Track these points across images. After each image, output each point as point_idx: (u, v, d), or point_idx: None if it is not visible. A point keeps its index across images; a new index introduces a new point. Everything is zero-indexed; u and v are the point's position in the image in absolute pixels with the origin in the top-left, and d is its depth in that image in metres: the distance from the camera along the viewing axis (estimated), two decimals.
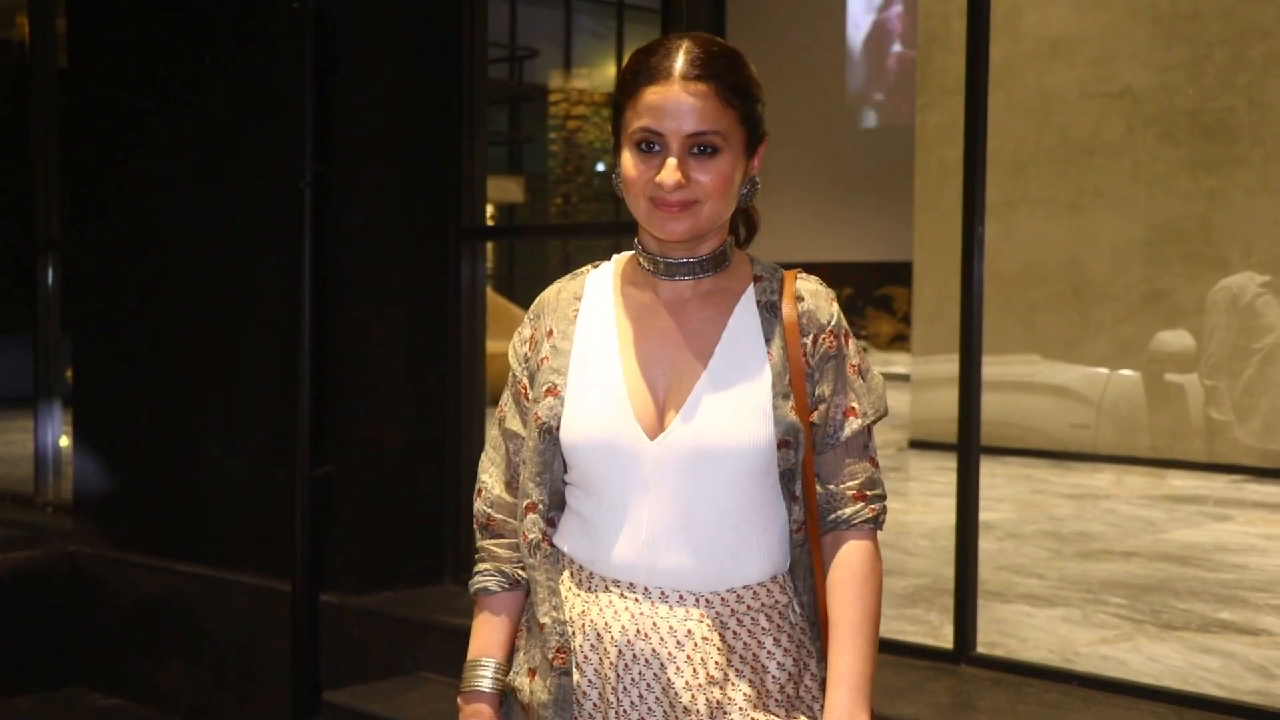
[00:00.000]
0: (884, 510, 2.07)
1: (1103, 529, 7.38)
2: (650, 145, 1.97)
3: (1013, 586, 5.92)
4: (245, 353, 5.59)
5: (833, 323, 2.07)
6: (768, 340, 2.04)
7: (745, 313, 2.06)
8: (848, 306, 20.11)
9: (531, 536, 2.08)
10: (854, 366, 2.08)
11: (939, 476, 9.10)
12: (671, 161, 1.96)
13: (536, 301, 2.18)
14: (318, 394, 5.27)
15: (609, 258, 2.20)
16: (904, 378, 12.16)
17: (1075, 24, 10.19)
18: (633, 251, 2.13)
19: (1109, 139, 9.97)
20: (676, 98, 1.95)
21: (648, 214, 2.00)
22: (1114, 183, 9.92)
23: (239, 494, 5.61)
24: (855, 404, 2.07)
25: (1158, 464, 9.34)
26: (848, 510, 2.05)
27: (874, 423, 2.09)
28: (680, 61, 1.96)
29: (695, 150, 1.96)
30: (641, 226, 2.07)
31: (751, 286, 2.09)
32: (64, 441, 7.27)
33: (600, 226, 9.30)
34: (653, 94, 1.96)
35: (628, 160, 2.00)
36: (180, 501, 5.86)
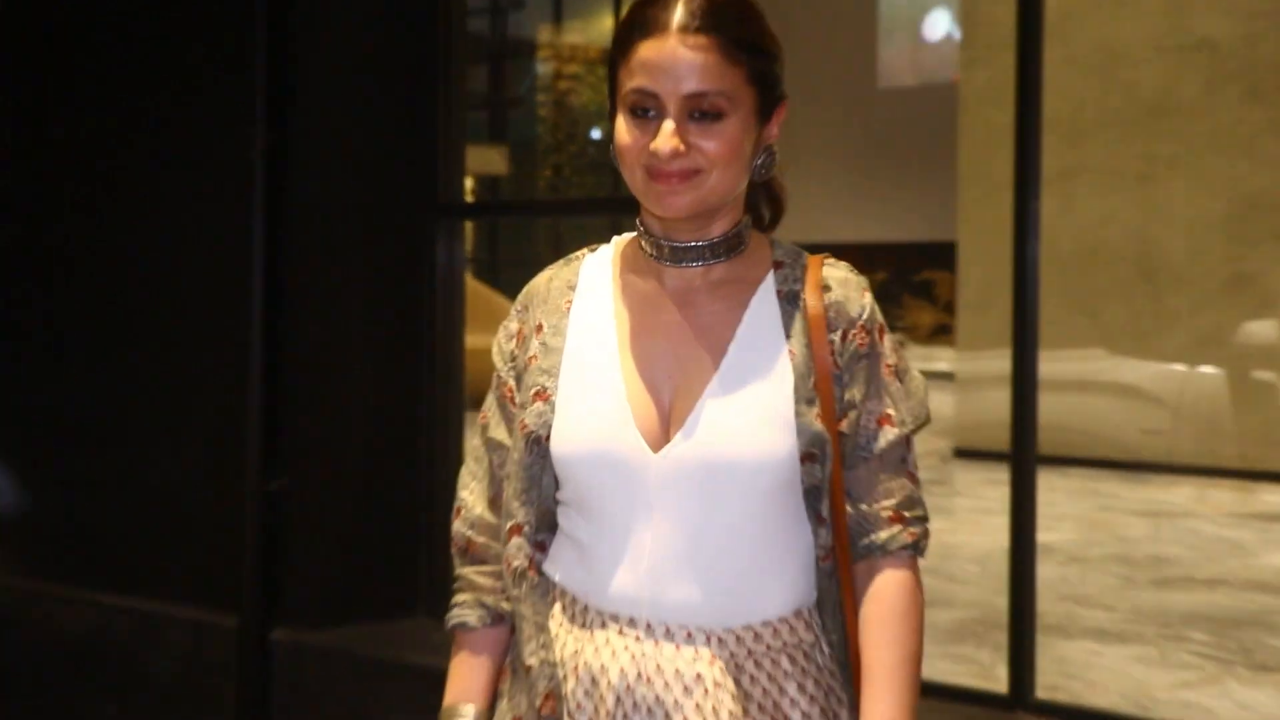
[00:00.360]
0: (926, 534, 2.06)
1: (1182, 552, 7.38)
2: (645, 109, 1.96)
3: (1077, 620, 5.92)
4: (186, 349, 5.59)
5: (865, 316, 2.06)
6: (789, 336, 2.03)
7: (763, 304, 2.05)
8: (882, 294, 20.05)
9: (516, 564, 2.07)
10: (890, 367, 2.06)
11: (989, 491, 9.09)
12: (668, 125, 1.94)
13: (524, 291, 2.17)
14: (270, 397, 5.26)
15: (607, 239, 2.18)
16: (947, 376, 12.17)
17: None
18: (634, 234, 2.12)
19: (1184, 98, 9.97)
20: (673, 53, 1.94)
21: (644, 187, 1.99)
22: (1190, 149, 9.92)
23: (178, 514, 5.61)
24: (891, 410, 2.05)
25: (1246, 476, 9.34)
26: (883, 534, 2.04)
27: (914, 432, 2.07)
28: (679, 12, 1.95)
29: (696, 114, 1.95)
30: (643, 206, 2.06)
31: (771, 274, 2.08)
32: None
33: (596, 203, 9.27)
34: (647, 49, 1.95)
35: (621, 126, 1.99)
36: (109, 523, 5.85)
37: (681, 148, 1.94)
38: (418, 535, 5.40)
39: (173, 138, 5.61)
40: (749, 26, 1.98)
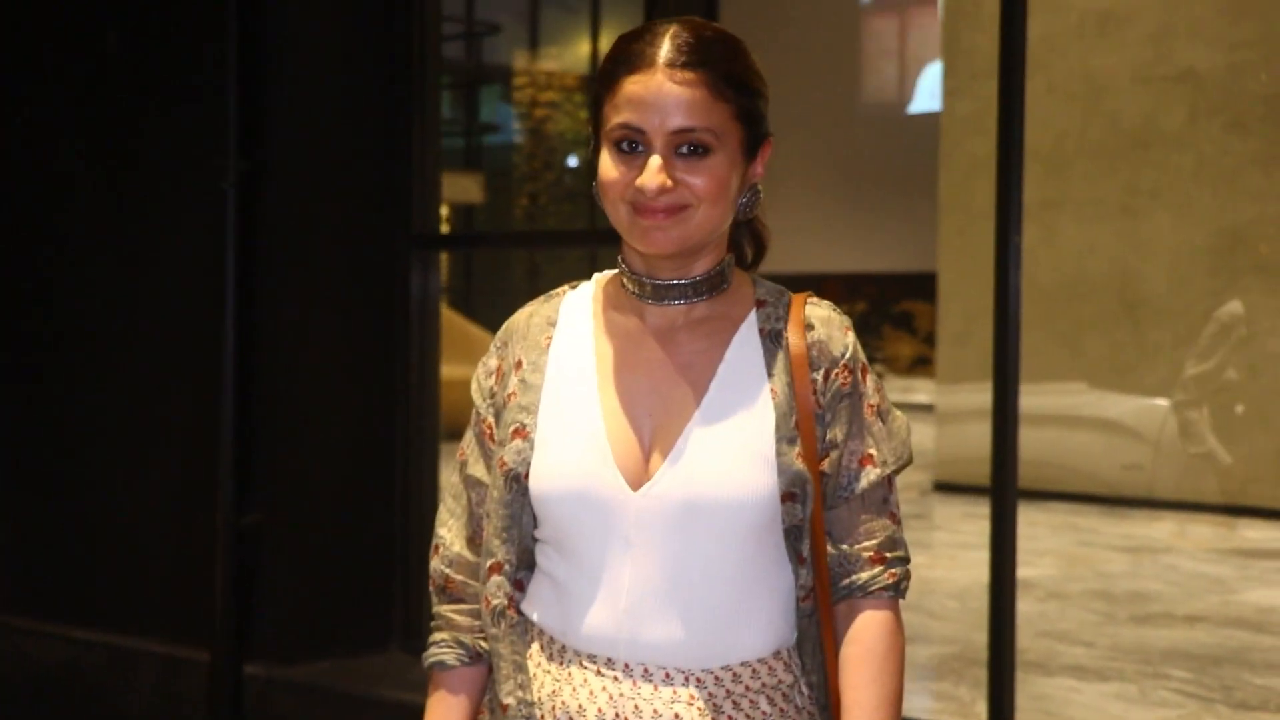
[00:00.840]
0: (907, 575, 2.08)
1: (1162, 588, 7.41)
2: (632, 144, 1.98)
3: (1057, 656, 5.93)
4: (157, 379, 5.58)
5: (847, 355, 2.08)
6: (771, 375, 2.05)
7: (745, 343, 2.07)
8: (861, 324, 20.16)
9: (496, 602, 2.08)
10: (872, 407, 2.09)
11: (968, 525, 9.12)
12: (655, 161, 1.96)
13: (504, 328, 2.18)
14: (242, 428, 5.26)
15: (585, 270, 2.20)
16: (927, 408, 12.20)
17: None
18: (615, 271, 2.14)
19: (1167, 129, 10.03)
20: (659, 88, 1.96)
21: (629, 223, 2.00)
22: (1173, 180, 9.98)
23: (148, 546, 5.59)
24: (873, 450, 2.07)
25: (1227, 511, 9.37)
26: (864, 575, 2.06)
27: (895, 473, 2.09)
28: (666, 47, 1.98)
29: (684, 150, 1.97)
30: (625, 243, 2.07)
31: (753, 313, 2.10)
32: None
33: (573, 235, 9.30)
34: (633, 84, 1.97)
35: (606, 162, 2.01)
36: (77, 555, 5.84)
37: (669, 184, 1.96)
38: (392, 569, 5.40)
39: (144, 167, 5.61)
40: (736, 63, 2.00)
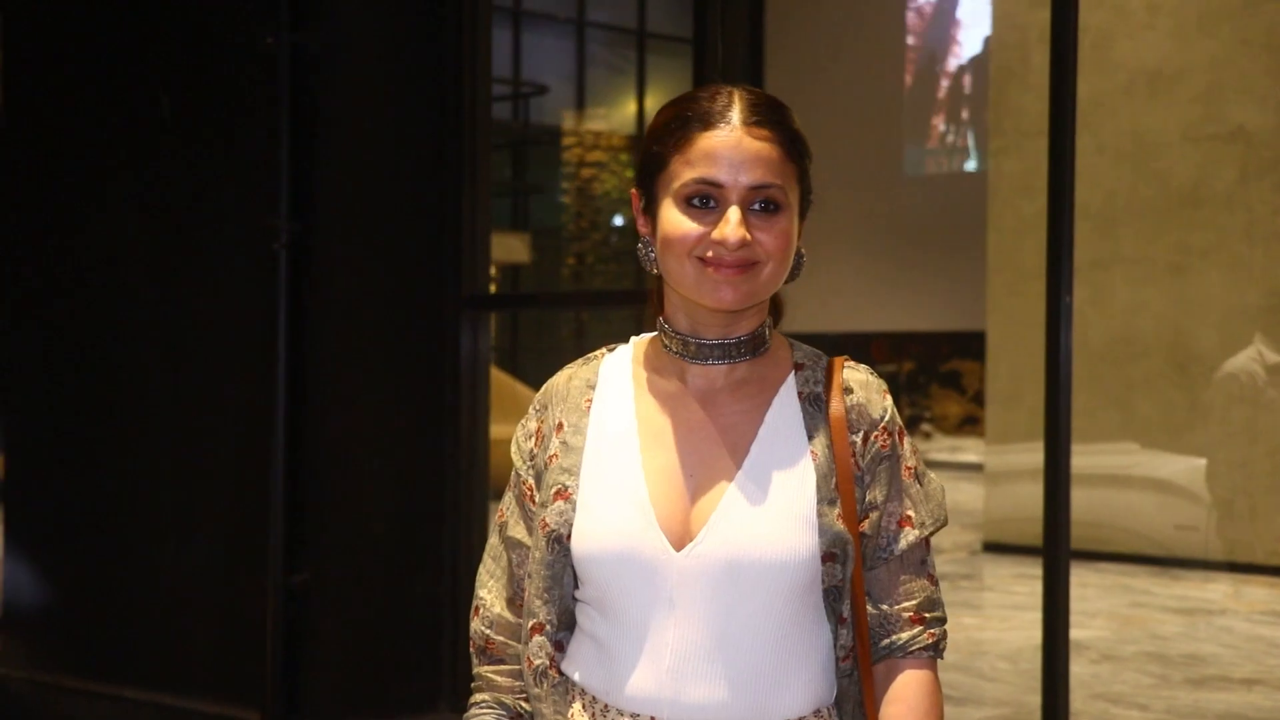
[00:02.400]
0: (944, 636, 2.10)
1: (1218, 650, 7.34)
2: (705, 200, 2.01)
3: (1111, 719, 5.89)
4: (208, 441, 5.61)
5: (886, 419, 2.10)
6: (811, 437, 2.07)
7: (785, 405, 2.09)
8: (909, 384, 20.14)
9: (538, 663, 2.09)
10: (910, 469, 2.11)
11: (1020, 586, 9.07)
12: (735, 213, 1.99)
13: (543, 390, 2.20)
14: (292, 488, 5.28)
15: (631, 329, 2.22)
16: (976, 468, 12.15)
17: (1177, 55, 10.25)
18: (653, 334, 2.17)
19: (1217, 189, 10.00)
20: (739, 143, 2.00)
21: (696, 278, 2.02)
22: (1224, 240, 9.94)
23: (198, 606, 5.62)
24: (911, 512, 2.09)
25: None
26: (904, 635, 2.07)
27: (932, 534, 2.11)
28: (741, 106, 2.02)
29: (757, 206, 2.01)
30: (669, 302, 2.09)
31: (792, 375, 2.12)
32: None
33: (621, 294, 9.33)
34: (710, 140, 2.00)
35: (674, 217, 2.02)
36: (128, 615, 5.86)
37: (748, 237, 1.99)
38: (440, 629, 5.41)
39: (196, 229, 5.66)
40: (797, 128, 2.06)
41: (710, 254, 2.00)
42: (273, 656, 5.23)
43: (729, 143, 1.99)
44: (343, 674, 5.33)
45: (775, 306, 2.17)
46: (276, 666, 5.23)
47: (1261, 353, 9.33)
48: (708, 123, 2.01)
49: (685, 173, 2.01)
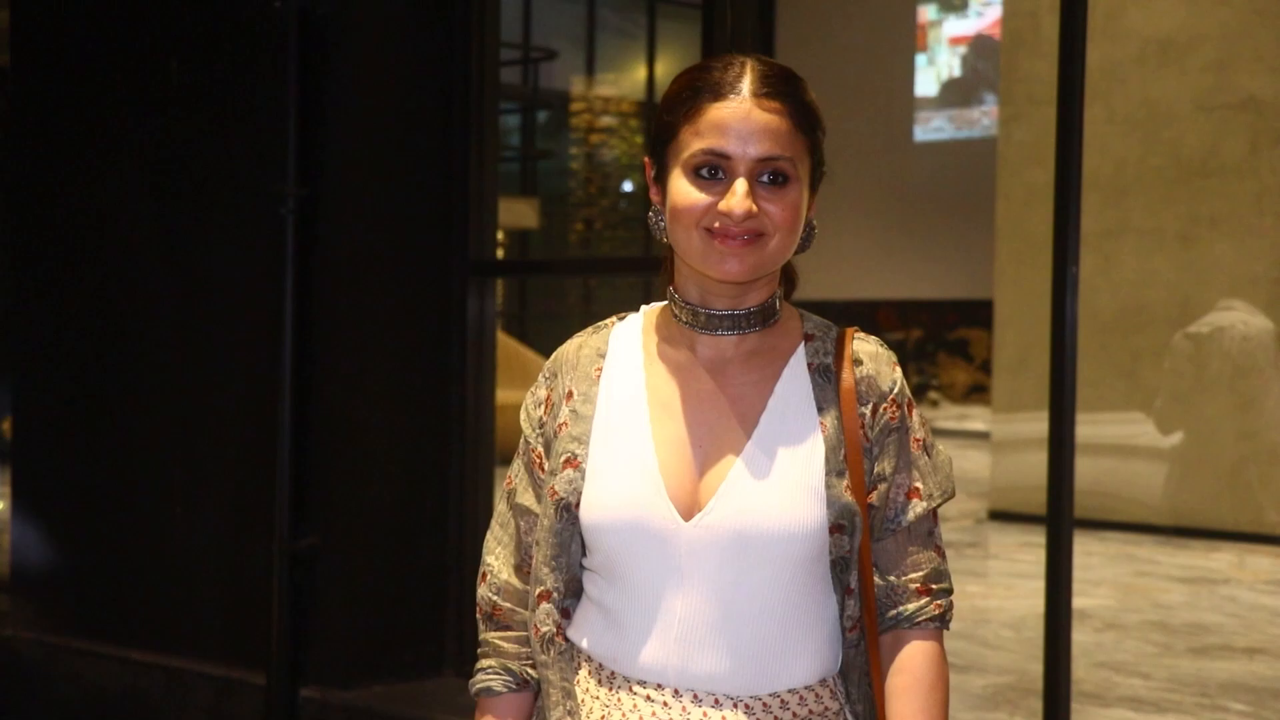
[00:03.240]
0: (951, 606, 2.11)
1: (1222, 620, 7.36)
2: (713, 170, 2.01)
3: (1113, 687, 5.91)
4: (215, 405, 5.63)
5: (895, 390, 2.11)
6: (820, 409, 2.08)
7: (795, 376, 2.10)
8: (917, 352, 20.14)
9: (544, 630, 2.11)
10: (918, 441, 2.12)
11: (1024, 554, 9.09)
12: (741, 185, 1.99)
13: (553, 358, 2.21)
14: (299, 454, 5.30)
15: (639, 294, 2.22)
16: (983, 436, 12.16)
17: (1188, 23, 10.23)
18: (664, 303, 2.17)
19: (1228, 158, 9.99)
20: (748, 115, 2.00)
21: (703, 249, 2.03)
22: (1234, 209, 9.94)
23: (205, 570, 5.64)
24: (919, 484, 2.10)
25: None
26: (911, 606, 2.09)
27: (940, 505, 2.12)
28: (752, 77, 2.02)
29: (764, 178, 2.01)
30: (679, 272, 2.10)
31: (802, 346, 2.13)
32: None
33: (629, 261, 9.30)
34: (719, 111, 2.01)
35: (682, 187, 2.03)
36: (136, 579, 5.89)
37: (754, 209, 1.99)
38: (446, 594, 5.43)
39: (203, 194, 5.66)
40: (809, 99, 2.06)
41: (717, 224, 2.00)
42: (278, 620, 5.26)
43: (738, 114, 2.00)
44: (348, 638, 5.35)
45: (789, 277, 2.18)
46: (282, 630, 5.26)
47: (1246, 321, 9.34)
48: (718, 93, 2.01)
49: (694, 143, 2.01)
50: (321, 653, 5.32)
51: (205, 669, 5.58)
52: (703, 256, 2.03)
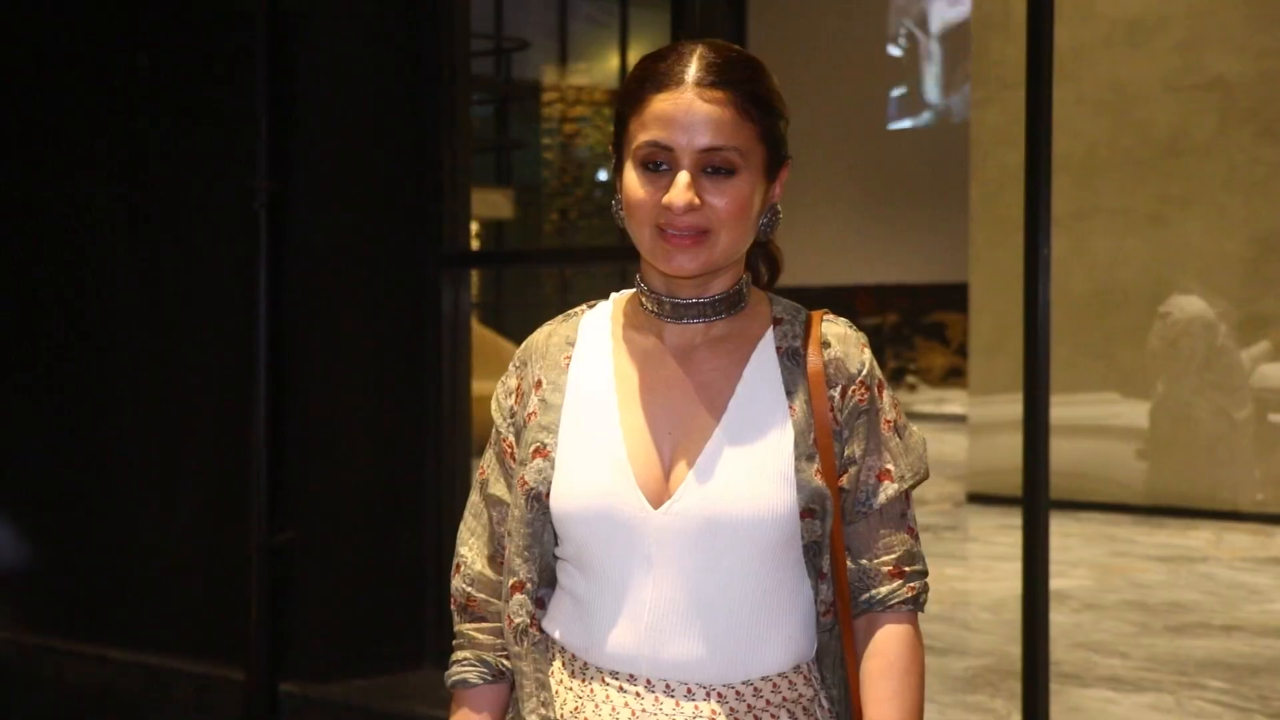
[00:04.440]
0: (925, 589, 2.09)
1: (1199, 598, 7.38)
2: (657, 163, 1.99)
3: (1092, 667, 5.92)
4: (189, 401, 5.61)
5: (864, 372, 2.09)
6: (790, 393, 2.06)
7: (763, 361, 2.08)
8: (893, 336, 20.15)
9: (518, 621, 2.09)
10: (889, 422, 2.10)
11: (1003, 536, 9.10)
12: (683, 177, 1.97)
13: (523, 347, 2.19)
14: (274, 448, 5.28)
15: (615, 285, 2.21)
16: (960, 419, 12.17)
17: (1156, 4, 10.25)
18: (633, 290, 2.15)
19: (1198, 138, 10.01)
20: (689, 106, 1.97)
21: (652, 245, 2.02)
22: (1204, 189, 9.96)
23: (182, 567, 5.62)
24: (891, 466, 2.08)
25: (1264, 520, 9.34)
26: (884, 589, 2.07)
27: (912, 488, 2.10)
28: (694, 66, 1.99)
29: (709, 169, 1.99)
30: (644, 261, 2.08)
31: (770, 330, 2.11)
32: None
33: (603, 251, 9.28)
34: (661, 102, 1.99)
35: (631, 181, 2.02)
36: (113, 576, 5.87)
37: (696, 201, 1.97)
38: (424, 587, 5.41)
39: (175, 189, 5.64)
40: (760, 85, 2.02)
41: (662, 220, 1.99)
42: (257, 616, 5.24)
43: (681, 105, 1.97)
44: (327, 632, 5.34)
45: (772, 261, 2.17)
46: (260, 626, 5.24)
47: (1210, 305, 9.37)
48: (660, 85, 1.99)
49: (640, 135, 2.00)
50: (300, 647, 5.31)
51: (184, 666, 5.56)
52: (652, 253, 2.02)
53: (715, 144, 1.97)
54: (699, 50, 2.01)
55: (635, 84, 2.02)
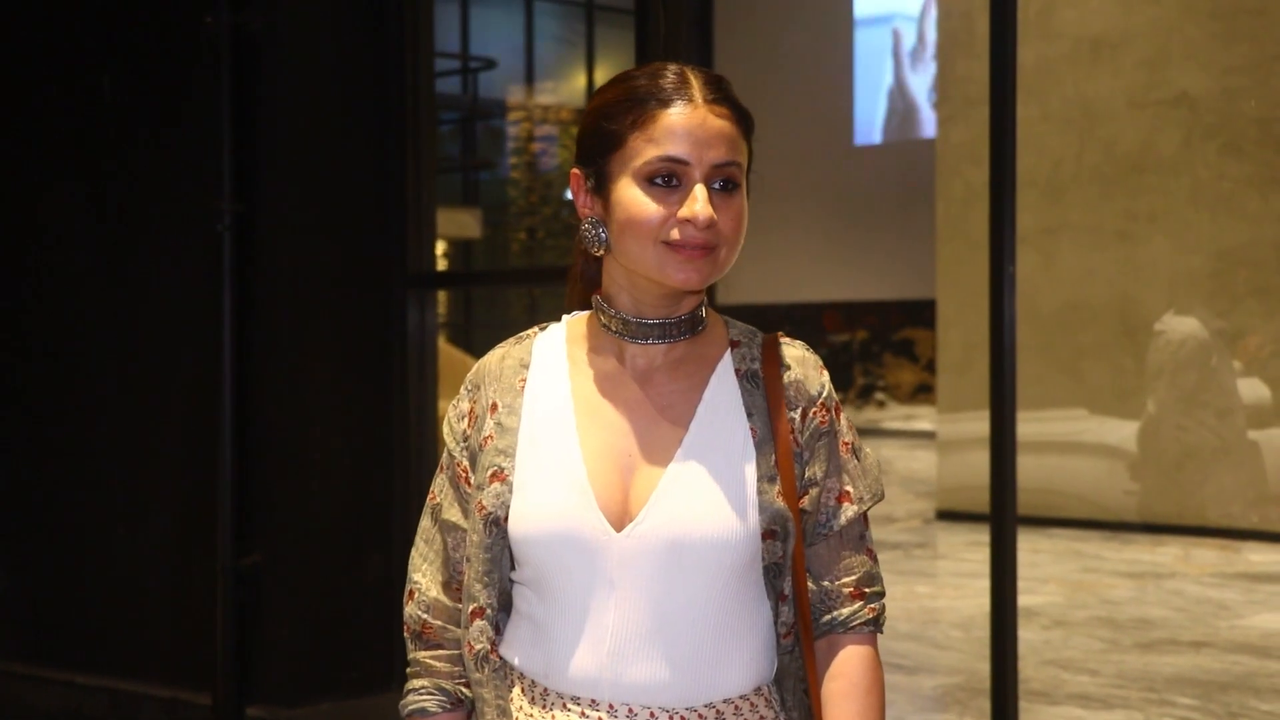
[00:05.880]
0: (883, 610, 2.10)
1: (1167, 614, 7.40)
2: (669, 178, 1.99)
3: (1061, 685, 5.93)
4: (156, 423, 5.59)
5: (824, 395, 2.10)
6: (750, 414, 2.06)
7: (723, 383, 2.08)
8: (863, 352, 20.18)
9: (479, 647, 2.08)
10: (847, 445, 2.11)
11: (972, 554, 9.12)
12: (702, 191, 1.97)
13: (474, 370, 2.18)
14: (241, 470, 5.27)
15: (558, 318, 2.20)
16: (929, 436, 12.20)
17: (1120, 21, 10.29)
18: (588, 312, 2.15)
19: (1163, 154, 10.05)
20: (703, 121, 1.98)
21: (659, 258, 2.00)
22: (1170, 205, 10.00)
23: (149, 590, 5.60)
24: (850, 488, 2.09)
25: (1231, 535, 9.36)
26: (846, 610, 2.07)
27: (869, 509, 2.11)
28: (700, 83, 2.01)
29: (717, 184, 2.00)
30: (612, 280, 2.08)
31: (729, 353, 2.11)
32: None
33: (563, 271, 9.33)
34: (674, 117, 1.98)
35: (635, 197, 2.00)
36: (78, 600, 5.84)
37: (714, 215, 1.98)
38: (393, 609, 5.39)
39: (138, 210, 5.63)
40: (743, 105, 2.05)
41: (676, 234, 1.98)
42: (224, 640, 5.22)
43: (694, 120, 1.98)
44: (295, 656, 5.32)
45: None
46: (228, 650, 5.22)
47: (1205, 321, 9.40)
48: (667, 100, 1.99)
49: (648, 150, 1.98)
50: (268, 671, 5.29)
51: (151, 690, 5.54)
52: (659, 267, 2.00)
53: (727, 159, 1.99)
54: (689, 69, 2.03)
55: (632, 100, 2.01)
